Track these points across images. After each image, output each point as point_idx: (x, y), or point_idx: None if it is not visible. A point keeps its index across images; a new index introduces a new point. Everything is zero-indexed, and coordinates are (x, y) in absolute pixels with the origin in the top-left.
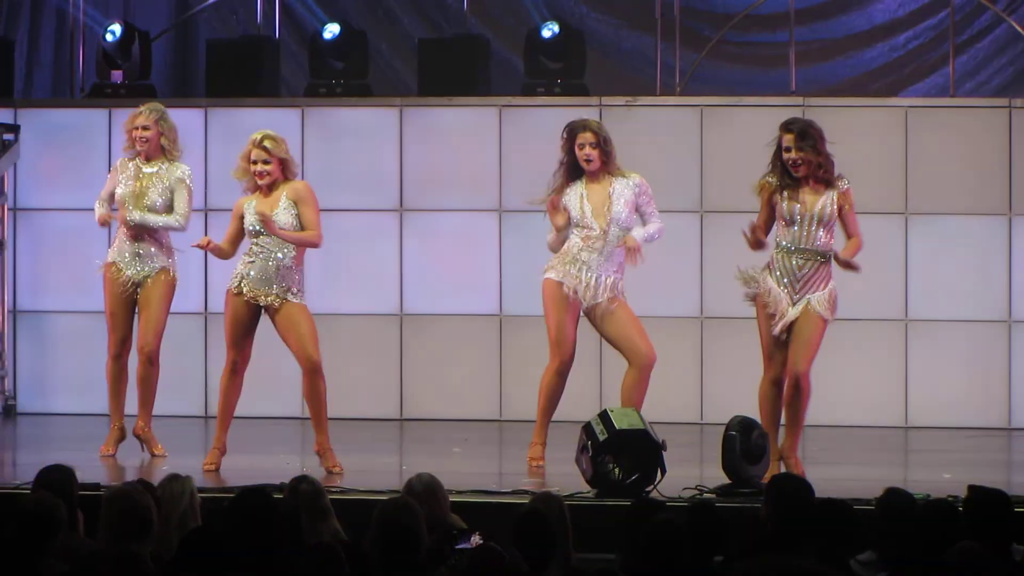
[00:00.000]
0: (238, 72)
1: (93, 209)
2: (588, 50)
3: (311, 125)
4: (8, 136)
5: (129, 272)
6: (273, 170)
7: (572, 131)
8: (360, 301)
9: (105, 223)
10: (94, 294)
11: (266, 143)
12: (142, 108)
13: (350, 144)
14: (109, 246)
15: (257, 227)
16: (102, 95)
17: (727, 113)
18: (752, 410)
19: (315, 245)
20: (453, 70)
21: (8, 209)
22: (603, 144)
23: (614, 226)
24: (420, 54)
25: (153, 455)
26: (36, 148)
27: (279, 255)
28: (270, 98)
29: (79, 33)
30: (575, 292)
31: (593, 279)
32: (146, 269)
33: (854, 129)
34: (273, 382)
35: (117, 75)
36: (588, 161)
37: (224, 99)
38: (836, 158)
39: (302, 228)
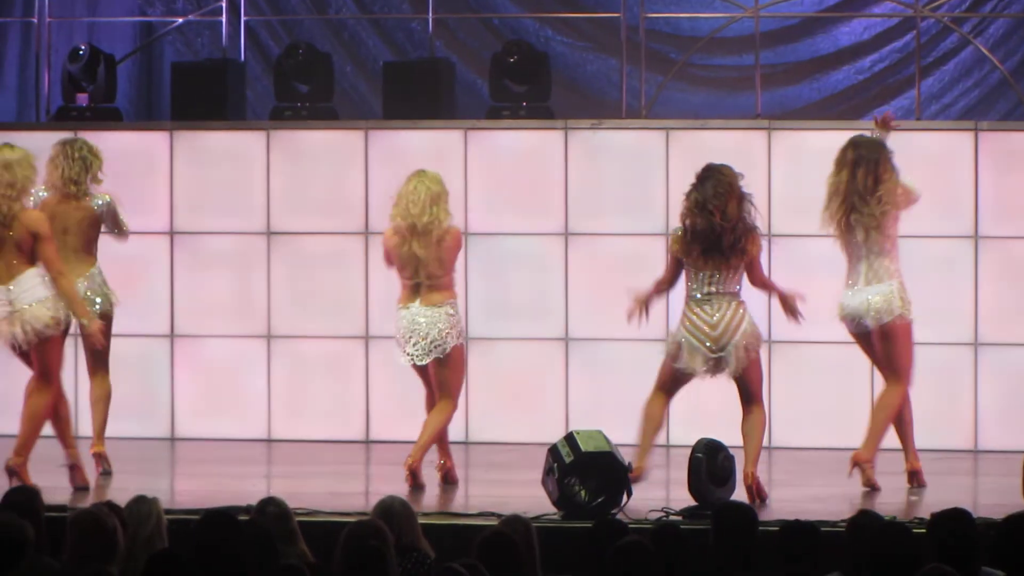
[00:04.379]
0: (203, 95)
1: None
2: (553, 73)
3: (276, 148)
4: None
5: None
6: None
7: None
8: (328, 323)
9: None
10: None
11: None
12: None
13: (316, 167)
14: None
15: None
16: (68, 118)
17: (692, 136)
18: (716, 430)
19: None
20: (418, 93)
21: None
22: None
23: None
24: (385, 77)
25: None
26: None
27: None
28: (235, 121)
29: (44, 56)
30: None
31: None
32: None
33: (819, 152)
34: (241, 404)
35: (82, 98)
36: None
37: (189, 122)
38: (800, 181)
39: None
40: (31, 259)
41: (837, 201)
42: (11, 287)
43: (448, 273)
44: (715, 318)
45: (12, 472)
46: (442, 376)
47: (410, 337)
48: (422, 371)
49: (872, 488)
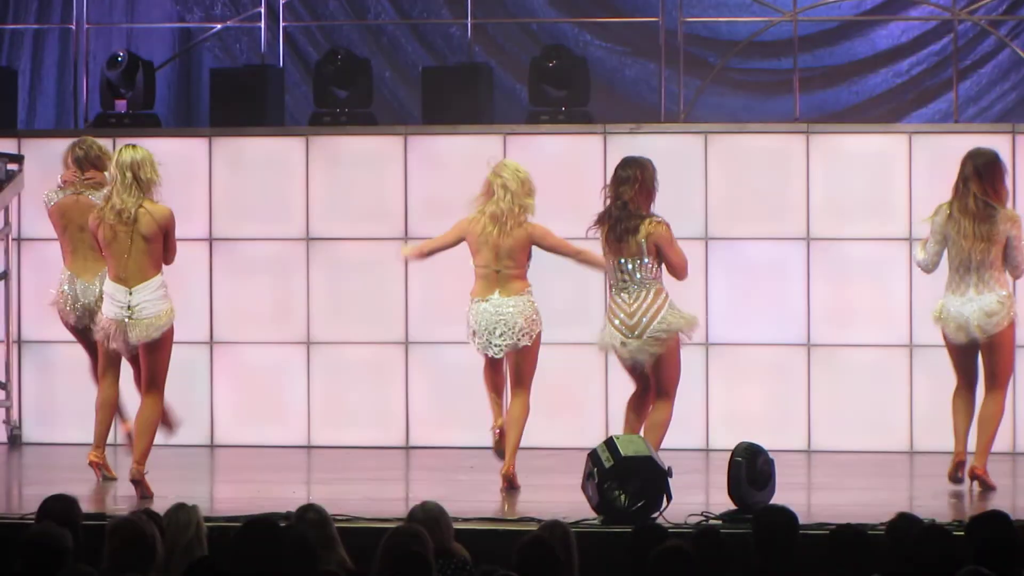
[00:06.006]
0: (242, 101)
1: None
2: (591, 78)
3: (315, 154)
4: (12, 167)
5: None
6: None
7: None
8: (367, 329)
9: None
10: None
11: None
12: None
13: (355, 173)
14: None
15: None
16: (106, 125)
17: (731, 140)
18: (756, 433)
19: None
20: (457, 98)
21: (12, 239)
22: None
23: None
24: (424, 82)
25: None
26: (40, 178)
27: None
28: (274, 127)
29: (82, 63)
30: None
31: None
32: None
33: (858, 155)
34: (280, 410)
35: (121, 105)
36: None
37: (228, 128)
38: (839, 185)
39: None
40: (158, 263)
41: (953, 209)
42: (132, 291)
43: (522, 265)
44: (633, 306)
45: (136, 482)
46: (522, 367)
47: (495, 328)
48: (493, 366)
49: (989, 488)
